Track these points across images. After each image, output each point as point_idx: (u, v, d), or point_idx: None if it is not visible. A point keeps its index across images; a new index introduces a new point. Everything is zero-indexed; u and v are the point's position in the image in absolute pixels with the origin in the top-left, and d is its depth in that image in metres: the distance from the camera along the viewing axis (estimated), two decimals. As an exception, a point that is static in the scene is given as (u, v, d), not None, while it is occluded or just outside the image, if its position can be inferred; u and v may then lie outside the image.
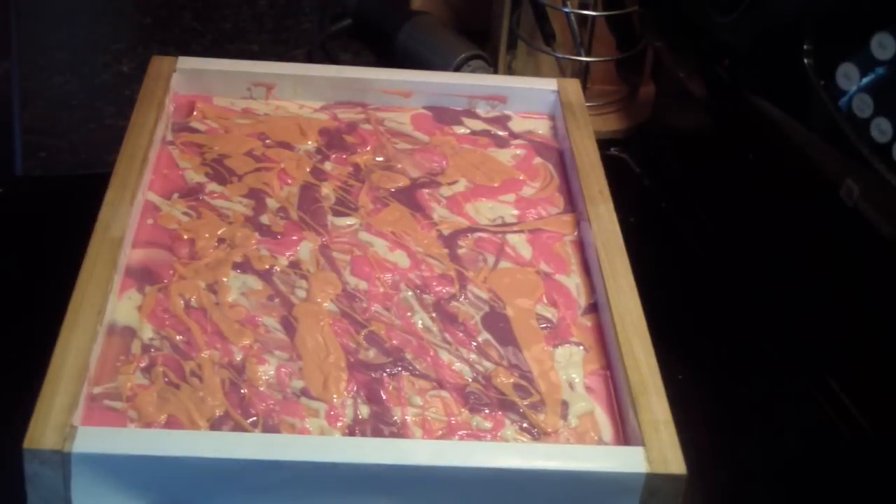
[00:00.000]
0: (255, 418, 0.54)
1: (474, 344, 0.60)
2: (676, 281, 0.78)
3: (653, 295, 0.62)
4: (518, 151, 0.74)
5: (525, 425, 0.55)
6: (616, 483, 0.50)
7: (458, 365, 0.58)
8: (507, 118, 0.77)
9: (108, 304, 0.57)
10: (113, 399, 0.54)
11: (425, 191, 0.70)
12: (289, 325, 0.59)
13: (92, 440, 0.50)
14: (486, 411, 0.56)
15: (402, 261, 0.65)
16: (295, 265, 0.63)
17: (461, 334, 0.60)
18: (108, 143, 0.78)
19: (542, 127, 0.77)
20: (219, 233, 0.65)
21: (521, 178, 0.72)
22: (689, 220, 0.85)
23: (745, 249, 0.80)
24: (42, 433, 0.49)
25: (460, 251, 0.66)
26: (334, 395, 0.55)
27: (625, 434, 0.55)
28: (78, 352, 0.54)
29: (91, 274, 0.58)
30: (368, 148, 0.73)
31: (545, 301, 0.63)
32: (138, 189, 0.65)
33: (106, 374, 0.55)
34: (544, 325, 0.61)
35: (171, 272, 0.62)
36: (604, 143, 0.79)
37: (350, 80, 0.77)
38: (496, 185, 0.71)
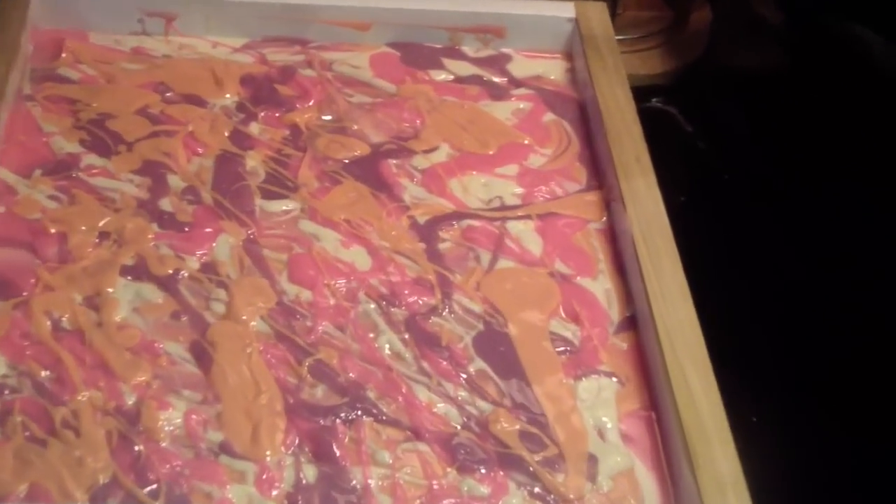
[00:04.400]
0: (155, 486, 0.54)
1: (464, 376, 0.59)
2: (745, 283, 0.78)
3: (713, 304, 0.62)
4: (521, 105, 0.75)
5: (538, 490, 0.55)
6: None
7: (441, 406, 0.58)
8: (506, 58, 0.77)
9: (-59, 327, 0.57)
10: (-50, 462, 0.53)
11: (392, 161, 0.70)
12: (202, 354, 0.59)
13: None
14: (483, 471, 0.56)
15: (360, 260, 0.64)
16: (209, 268, 0.63)
17: (445, 363, 0.60)
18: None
19: (554, 70, 0.77)
20: (101, 224, 0.64)
21: (525, 141, 0.72)
22: (761, 197, 0.85)
23: (836, 233, 0.80)
24: None
25: (442, 246, 0.66)
26: (267, 452, 0.55)
27: (677, 499, 0.55)
28: None
29: (-83, 284, 0.58)
30: (311, 102, 0.73)
31: (563, 314, 0.63)
32: (-16, 163, 0.65)
33: (-61, 427, 0.54)
34: (562, 349, 0.61)
35: (33, 280, 0.61)
36: (642, 92, 0.78)
37: (284, 6, 0.77)
38: (491, 152, 0.71)
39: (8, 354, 0.58)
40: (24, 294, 0.61)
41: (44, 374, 0.58)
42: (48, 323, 0.60)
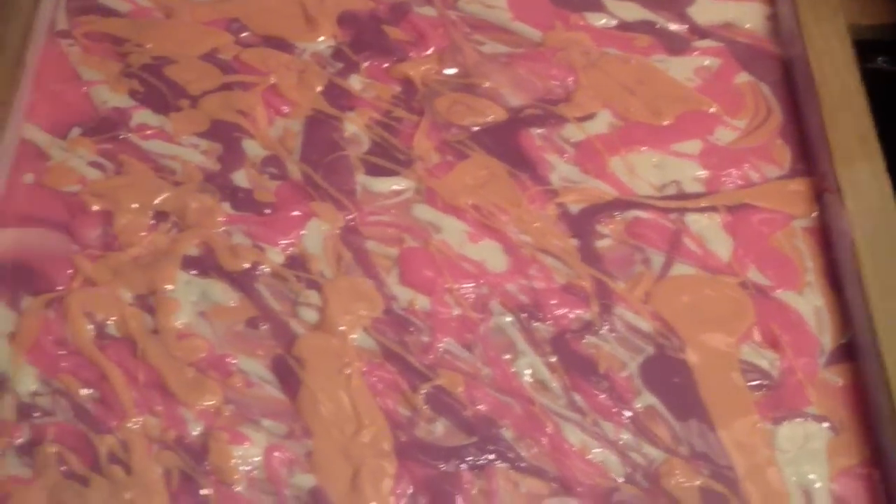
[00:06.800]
0: (226, 544, 0.55)
1: (628, 414, 0.59)
2: None
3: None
4: (707, 61, 0.74)
5: (725, 565, 0.55)
6: None
7: (597, 452, 0.58)
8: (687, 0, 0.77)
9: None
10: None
11: (535, 131, 0.69)
12: (286, 374, 0.59)
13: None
14: (654, 538, 0.56)
15: (492, 259, 0.64)
16: (297, 263, 0.63)
17: (603, 396, 0.59)
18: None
19: (750, 16, 0.76)
20: (156, 201, 0.65)
21: (711, 110, 0.71)
22: None
23: None
24: None
25: (601, 243, 0.65)
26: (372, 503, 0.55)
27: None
28: None
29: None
30: (430, 51, 0.73)
31: (757, 338, 0.62)
32: (7, 118, 0.65)
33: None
34: (756, 383, 0.61)
35: (70, 272, 0.62)
36: (865, 48, 0.76)
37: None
38: (666, 122, 0.71)
39: (39, 366, 0.59)
40: (59, 289, 0.62)
41: (84, 392, 0.58)
42: (90, 327, 0.60)
